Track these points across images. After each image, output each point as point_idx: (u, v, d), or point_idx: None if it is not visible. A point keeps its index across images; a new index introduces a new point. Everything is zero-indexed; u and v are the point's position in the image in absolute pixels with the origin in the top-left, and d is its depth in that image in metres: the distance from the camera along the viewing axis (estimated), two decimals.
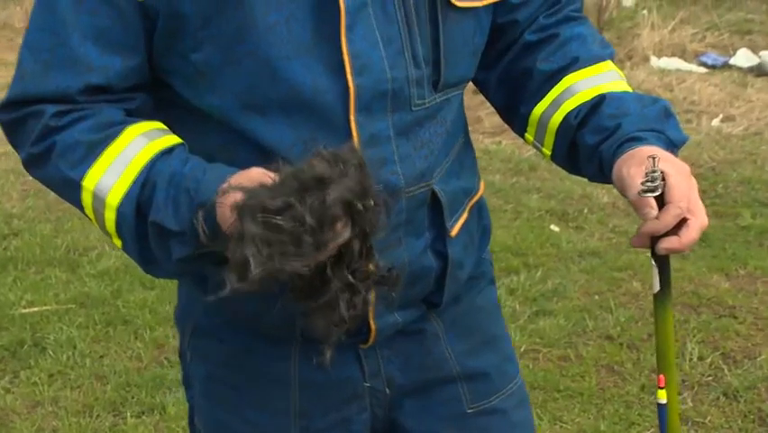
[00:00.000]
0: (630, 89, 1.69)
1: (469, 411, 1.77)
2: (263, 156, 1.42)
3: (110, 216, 1.45)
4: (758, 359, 3.90)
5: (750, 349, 4.00)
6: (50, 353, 4.04)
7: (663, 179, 1.44)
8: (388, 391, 1.72)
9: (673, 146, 1.58)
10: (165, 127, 1.52)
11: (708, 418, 3.55)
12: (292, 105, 1.49)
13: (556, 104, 1.69)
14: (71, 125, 1.46)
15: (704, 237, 5.08)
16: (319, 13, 1.46)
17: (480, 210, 1.79)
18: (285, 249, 1.23)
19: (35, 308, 4.46)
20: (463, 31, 1.61)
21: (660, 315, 1.61)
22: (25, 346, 4.11)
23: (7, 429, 3.52)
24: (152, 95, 1.56)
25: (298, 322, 1.47)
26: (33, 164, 1.51)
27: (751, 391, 3.70)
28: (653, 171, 1.43)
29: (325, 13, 1.46)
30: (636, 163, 1.48)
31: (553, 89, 1.70)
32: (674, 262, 5.03)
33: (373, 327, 1.62)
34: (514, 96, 1.76)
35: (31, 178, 1.65)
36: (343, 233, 1.26)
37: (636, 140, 1.54)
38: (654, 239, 1.50)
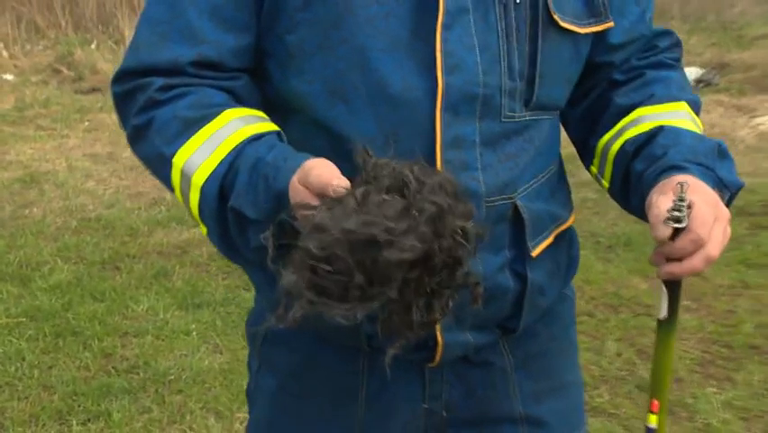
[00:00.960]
0: (696, 129, 1.64)
1: None
2: (339, 150, 1.39)
3: (194, 197, 1.42)
4: None
5: None
6: None
7: (690, 208, 1.39)
8: (445, 414, 1.67)
9: (724, 187, 1.52)
10: (264, 115, 1.50)
11: (623, 409, 3.67)
12: (379, 97, 1.47)
13: (619, 133, 1.67)
14: (173, 101, 1.45)
15: (627, 241, 5.29)
16: (419, 13, 1.46)
17: (570, 241, 1.74)
18: (328, 298, 1.19)
19: None
20: (561, 53, 1.59)
21: (662, 341, 1.58)
22: None
23: None
24: (255, 84, 1.55)
25: (364, 329, 1.48)
26: (134, 138, 1.49)
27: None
28: (681, 200, 1.38)
29: (426, 13, 1.45)
30: (667, 190, 1.44)
31: (619, 122, 1.68)
32: (599, 265, 5.18)
33: (440, 341, 1.57)
34: (589, 129, 1.73)
35: None
36: (395, 287, 1.19)
37: (678, 168, 1.49)
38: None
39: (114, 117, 8.23)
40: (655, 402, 1.57)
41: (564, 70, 1.60)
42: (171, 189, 1.48)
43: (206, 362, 4.02)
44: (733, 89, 9.06)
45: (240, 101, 1.49)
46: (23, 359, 4.06)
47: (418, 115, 1.45)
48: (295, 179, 1.26)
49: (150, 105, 1.45)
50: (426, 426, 1.67)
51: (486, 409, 1.68)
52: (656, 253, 1.46)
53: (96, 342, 4.22)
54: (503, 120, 1.51)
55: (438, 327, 1.52)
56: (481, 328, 1.59)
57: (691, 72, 9.25)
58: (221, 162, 1.38)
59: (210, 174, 1.39)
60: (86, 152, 7.35)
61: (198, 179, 1.40)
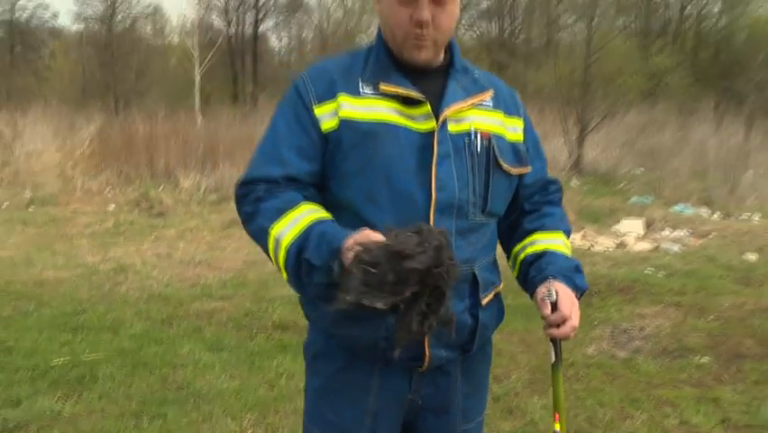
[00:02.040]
0: (567, 250, 1.68)
1: (458, 430, 1.70)
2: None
3: (282, 255, 1.44)
4: (512, 377, 3.92)
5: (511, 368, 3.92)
6: None
7: (557, 294, 1.51)
8: (419, 402, 1.64)
9: (577, 289, 1.59)
10: (323, 209, 1.50)
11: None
12: (396, 202, 1.48)
13: (523, 248, 1.68)
14: (270, 198, 1.48)
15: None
16: (421, 153, 1.49)
17: (500, 299, 1.72)
18: (372, 290, 1.23)
19: None
20: (502, 183, 1.61)
21: (555, 376, 1.59)
22: None
23: None
24: (319, 192, 1.56)
25: (381, 347, 1.46)
26: (246, 220, 1.53)
27: (507, 395, 3.79)
28: (550, 288, 1.52)
29: (425, 154, 1.49)
30: (537, 299, 1.56)
31: (525, 239, 1.69)
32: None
33: (428, 354, 1.55)
34: (509, 240, 1.73)
35: None
36: (412, 288, 1.24)
37: (553, 277, 1.56)
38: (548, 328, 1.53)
39: (170, 231, 8.36)
40: (557, 415, 1.60)
41: (504, 194, 1.64)
42: (266, 251, 1.50)
43: (225, 385, 4.00)
44: None
45: (310, 201, 1.51)
46: (114, 379, 4.03)
47: (420, 214, 1.48)
48: (346, 241, 1.33)
49: (257, 199, 1.50)
50: (407, 410, 1.65)
51: (443, 403, 1.66)
52: (544, 325, 1.55)
53: (158, 370, 4.20)
54: (468, 220, 1.55)
55: (427, 344, 1.53)
56: (451, 348, 1.58)
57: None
58: (299, 234, 1.42)
59: (293, 240, 1.43)
60: (153, 253, 7.31)
61: (285, 242, 1.43)
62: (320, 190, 1.56)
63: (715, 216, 9.39)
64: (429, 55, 1.54)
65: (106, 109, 18.94)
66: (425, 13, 1.48)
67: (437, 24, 1.50)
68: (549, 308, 1.52)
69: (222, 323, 5.13)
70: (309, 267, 1.39)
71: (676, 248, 7.35)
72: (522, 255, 1.68)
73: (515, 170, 1.63)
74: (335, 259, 1.33)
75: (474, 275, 1.58)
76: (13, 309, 5.29)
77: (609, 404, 3.67)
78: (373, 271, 1.22)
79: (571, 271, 1.60)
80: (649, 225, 8.46)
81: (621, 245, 7.52)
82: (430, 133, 1.51)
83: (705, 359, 4.32)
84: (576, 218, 8.40)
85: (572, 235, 7.24)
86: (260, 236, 1.49)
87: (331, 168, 1.53)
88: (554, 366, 1.58)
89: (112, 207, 9.68)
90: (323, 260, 1.36)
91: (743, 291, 5.71)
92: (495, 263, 1.69)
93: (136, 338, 4.76)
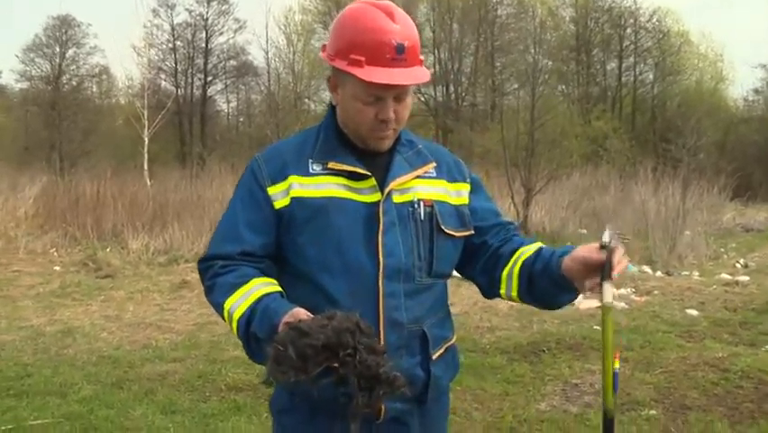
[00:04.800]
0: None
1: None
2: (326, 299, 1.55)
3: (234, 326, 1.55)
4: None
5: None
6: None
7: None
8: None
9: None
10: (274, 281, 1.60)
11: None
12: (348, 270, 1.57)
13: (515, 263, 1.70)
14: (226, 274, 1.59)
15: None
16: (367, 223, 1.59)
17: (454, 352, 1.77)
18: (280, 366, 1.33)
19: None
20: (447, 247, 1.68)
21: (606, 318, 1.58)
22: None
23: None
24: (276, 262, 1.65)
25: (340, 402, 1.45)
26: (207, 292, 1.65)
27: None
28: (603, 238, 1.53)
29: (372, 224, 1.59)
30: (580, 249, 1.57)
31: (511, 258, 1.72)
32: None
33: (383, 408, 1.60)
34: (491, 274, 1.75)
35: None
36: (315, 365, 1.32)
37: (567, 252, 1.60)
38: (607, 274, 1.51)
39: (119, 292, 8.22)
40: (617, 353, 1.61)
41: (449, 255, 1.71)
42: (224, 320, 1.60)
43: None
44: None
45: (265, 273, 1.61)
46: None
47: (370, 280, 1.58)
48: (284, 317, 1.43)
49: (215, 275, 1.62)
50: None
51: None
52: (594, 284, 1.55)
53: None
54: (415, 282, 1.64)
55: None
56: (405, 401, 1.61)
57: None
58: (248, 308, 1.53)
59: (242, 314, 1.54)
60: (102, 315, 7.16)
61: (236, 315, 1.55)
62: (277, 261, 1.66)
63: (657, 273, 9.71)
64: (390, 143, 1.68)
65: (50, 169, 18.60)
66: (391, 113, 1.60)
67: (398, 118, 1.63)
68: (620, 252, 1.53)
69: (174, 385, 5.05)
70: (256, 339, 1.49)
71: (622, 305, 7.57)
72: (517, 267, 1.71)
73: (458, 234, 1.71)
74: (274, 333, 1.42)
75: (424, 332, 1.65)
76: None
77: None
78: (280, 348, 1.34)
79: (565, 252, 1.66)
80: None
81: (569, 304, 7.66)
82: (375, 204, 1.61)
83: (653, 411, 4.45)
84: None
85: None
86: (217, 309, 1.61)
87: (287, 241, 1.63)
88: (607, 307, 1.57)
89: (57, 268, 9.49)
90: (265, 333, 1.45)
91: (686, 346, 5.92)
92: (446, 319, 1.77)
93: (86, 402, 4.64)
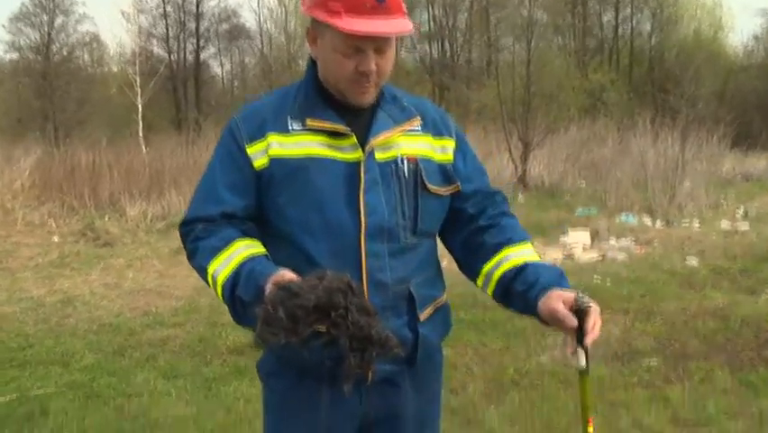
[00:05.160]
0: (539, 258, 1.68)
1: None
2: (308, 260, 1.51)
3: (219, 290, 1.52)
4: (469, 389, 3.86)
5: None
6: None
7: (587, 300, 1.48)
8: (372, 414, 1.66)
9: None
10: (258, 243, 1.56)
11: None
12: (329, 230, 1.54)
13: (497, 265, 1.65)
14: (208, 237, 1.55)
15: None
16: (349, 182, 1.55)
17: (445, 311, 1.73)
18: (270, 327, 1.30)
19: None
20: (432, 205, 1.64)
21: (584, 383, 1.57)
22: None
23: None
24: (258, 224, 1.61)
25: (327, 366, 1.47)
26: (189, 257, 1.61)
27: (464, 407, 3.67)
28: (583, 296, 1.48)
29: (353, 182, 1.55)
30: (556, 297, 1.49)
31: (495, 255, 1.66)
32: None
33: (372, 370, 1.52)
34: (472, 258, 1.70)
35: None
36: (305, 327, 1.29)
37: (549, 288, 1.53)
38: (580, 337, 1.47)
39: (119, 260, 8.20)
40: (590, 419, 1.58)
41: (436, 214, 1.67)
42: (208, 285, 1.57)
43: (182, 412, 3.93)
44: None
45: (248, 235, 1.57)
46: (66, 413, 3.93)
47: (351, 240, 1.54)
48: (270, 278, 1.39)
49: (196, 239, 1.58)
50: (360, 421, 1.67)
51: (395, 413, 1.68)
52: (568, 344, 1.50)
53: (112, 401, 4.12)
54: (400, 242, 1.59)
55: None
56: (395, 362, 1.57)
57: None
58: (232, 271, 1.49)
59: (226, 278, 1.50)
60: (101, 283, 7.17)
61: (221, 280, 1.51)
62: (259, 223, 1.62)
63: (657, 223, 9.69)
64: (372, 98, 1.61)
65: (45, 140, 18.46)
66: (372, 65, 1.54)
67: (379, 71, 1.57)
68: (575, 320, 1.49)
69: (175, 350, 5.05)
70: (242, 303, 1.46)
71: (622, 256, 7.56)
72: (498, 272, 1.66)
73: (443, 191, 1.67)
74: (262, 296, 1.39)
75: (410, 292, 1.62)
76: None
77: (565, 410, 3.75)
78: (270, 309, 1.29)
79: (560, 279, 1.60)
80: (595, 236, 8.68)
81: (569, 256, 7.70)
82: (357, 163, 1.57)
83: (654, 361, 4.46)
84: None
85: None
86: (200, 273, 1.57)
87: (267, 202, 1.59)
88: (584, 373, 1.55)
89: (56, 238, 9.45)
90: (251, 296, 1.42)
91: (686, 295, 5.92)
92: (436, 278, 1.72)
93: (88, 370, 4.64)
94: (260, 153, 1.58)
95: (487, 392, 4.10)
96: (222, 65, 36.75)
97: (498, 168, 12.90)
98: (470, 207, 1.70)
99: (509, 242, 1.67)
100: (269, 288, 1.38)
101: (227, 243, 1.54)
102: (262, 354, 1.75)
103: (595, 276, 6.51)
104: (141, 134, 19.38)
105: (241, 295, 1.47)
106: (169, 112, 31.63)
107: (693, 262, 7.20)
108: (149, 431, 3.72)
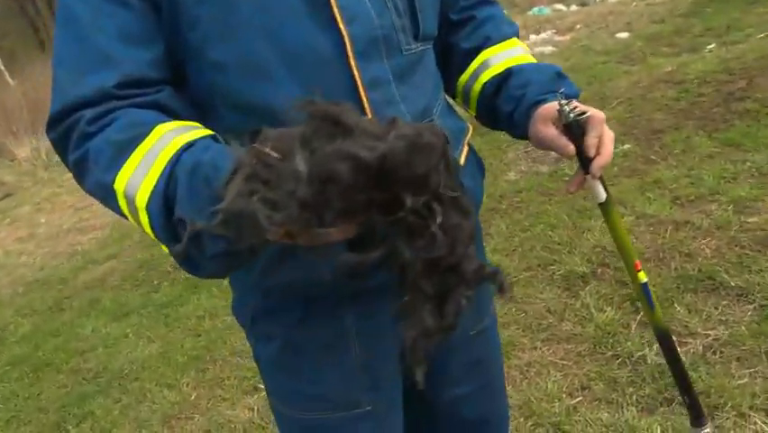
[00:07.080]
0: (532, 59, 1.28)
1: (471, 333, 1.29)
2: (273, 121, 0.79)
3: (144, 219, 0.87)
4: None
5: None
6: None
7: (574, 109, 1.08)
8: None
9: (569, 99, 1.15)
10: (196, 123, 0.95)
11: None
12: (295, 63, 0.99)
13: (474, 76, 1.27)
14: (103, 129, 0.91)
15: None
16: None
17: (472, 148, 1.28)
18: (268, 191, 0.66)
19: None
20: None
21: (610, 216, 1.24)
22: None
23: None
24: (180, 92, 1.00)
25: (327, 280, 0.91)
26: (77, 174, 0.95)
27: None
28: (566, 103, 1.08)
29: None
30: (542, 119, 1.14)
31: (471, 64, 1.27)
32: None
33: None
34: (444, 68, 1.28)
35: None
36: (349, 207, 0.65)
37: (540, 102, 1.16)
38: (587, 165, 1.12)
39: (25, 208, 7.39)
40: (637, 262, 1.25)
41: (433, 4, 1.17)
42: (124, 217, 0.92)
43: (146, 352, 3.50)
44: None
45: (169, 113, 0.95)
46: (17, 396, 3.45)
47: (335, 67, 1.00)
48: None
49: (83, 137, 0.91)
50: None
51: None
52: (574, 181, 1.17)
53: (65, 365, 3.65)
54: (404, 53, 1.08)
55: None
56: None
57: None
58: (159, 177, 0.85)
59: (152, 192, 0.85)
60: (13, 239, 6.45)
61: (141, 199, 0.86)
62: (180, 88, 1.00)
63: (572, 7, 9.25)
64: None
65: None
66: None
67: None
68: (597, 127, 1.10)
69: (117, 286, 4.54)
70: (192, 232, 0.81)
71: (549, 49, 7.15)
72: (477, 86, 1.26)
73: None
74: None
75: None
76: None
77: (559, 224, 3.42)
78: (275, 155, 0.66)
79: (555, 82, 1.18)
80: None
81: None
82: None
83: (627, 146, 4.15)
84: None
85: None
86: (105, 196, 0.92)
87: (179, 44, 0.98)
88: (605, 204, 1.20)
89: None
90: (205, 211, 0.77)
91: (632, 70, 5.58)
92: (449, 104, 1.28)
93: (27, 339, 4.13)
94: None
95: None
96: None
97: None
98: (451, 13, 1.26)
99: (488, 42, 1.26)
100: (247, 155, 0.73)
101: (141, 131, 0.90)
102: (237, 295, 1.21)
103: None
104: (2, 68, 17.55)
105: (185, 215, 0.81)
106: (28, 35, 28.89)
107: (623, 35, 6.83)
108: (116, 386, 3.28)
